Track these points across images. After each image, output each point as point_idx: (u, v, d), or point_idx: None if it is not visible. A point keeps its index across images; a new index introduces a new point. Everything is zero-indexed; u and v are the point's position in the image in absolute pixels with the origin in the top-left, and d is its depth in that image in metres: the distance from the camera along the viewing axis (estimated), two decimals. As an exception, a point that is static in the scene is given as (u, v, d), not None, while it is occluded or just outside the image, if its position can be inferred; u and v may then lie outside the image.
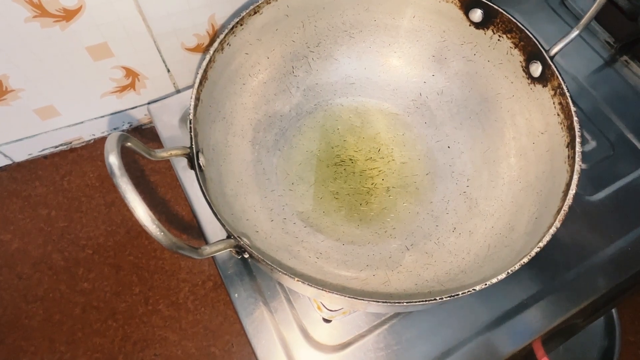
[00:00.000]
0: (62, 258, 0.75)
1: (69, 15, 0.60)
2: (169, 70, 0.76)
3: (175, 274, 0.77)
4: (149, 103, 0.72)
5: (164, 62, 0.74)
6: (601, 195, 0.69)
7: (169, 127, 0.69)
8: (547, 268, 0.64)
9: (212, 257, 0.63)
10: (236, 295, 0.60)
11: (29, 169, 0.79)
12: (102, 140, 0.82)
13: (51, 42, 0.62)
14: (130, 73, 0.73)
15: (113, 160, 0.37)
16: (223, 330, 0.75)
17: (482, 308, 0.61)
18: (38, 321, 0.71)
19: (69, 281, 0.74)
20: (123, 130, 0.84)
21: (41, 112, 0.72)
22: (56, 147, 0.80)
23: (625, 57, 0.80)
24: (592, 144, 0.73)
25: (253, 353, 0.60)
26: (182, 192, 0.73)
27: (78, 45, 0.65)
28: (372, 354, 0.57)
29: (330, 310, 0.59)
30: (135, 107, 0.80)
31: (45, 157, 0.80)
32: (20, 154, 0.78)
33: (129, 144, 0.43)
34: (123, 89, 0.75)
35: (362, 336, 0.58)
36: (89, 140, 0.82)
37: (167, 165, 0.79)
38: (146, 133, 0.83)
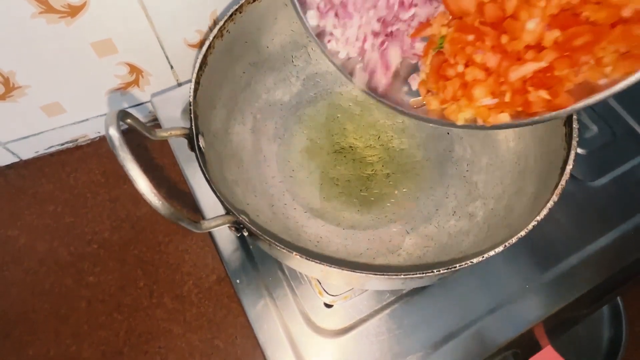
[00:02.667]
0: (68, 253, 0.76)
1: (73, 11, 0.62)
2: (172, 67, 0.77)
3: (179, 267, 0.77)
4: (152, 95, 0.73)
5: (167, 58, 0.76)
6: (603, 180, 0.69)
7: (172, 119, 0.70)
8: (548, 254, 0.63)
9: (216, 250, 0.64)
10: (238, 281, 0.60)
11: (36, 166, 0.81)
12: (104, 140, 0.83)
13: (57, 38, 0.64)
14: (134, 69, 0.74)
15: (113, 132, 0.38)
16: (227, 323, 0.75)
17: (484, 294, 0.60)
18: (44, 315, 0.72)
19: (74, 275, 0.75)
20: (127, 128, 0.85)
21: (47, 108, 0.73)
22: (62, 144, 0.81)
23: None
24: (593, 129, 0.73)
25: (255, 338, 0.60)
26: (186, 187, 0.74)
27: (83, 41, 0.66)
28: (374, 338, 0.57)
29: (332, 295, 0.59)
30: (140, 104, 0.81)
31: (51, 154, 0.82)
32: (28, 152, 0.80)
33: (128, 120, 0.44)
34: (127, 85, 0.77)
35: (363, 321, 0.59)
36: (94, 138, 0.83)
37: (171, 161, 0.80)
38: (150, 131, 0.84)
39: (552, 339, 0.70)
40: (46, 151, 0.81)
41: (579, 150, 0.71)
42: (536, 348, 0.71)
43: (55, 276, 0.74)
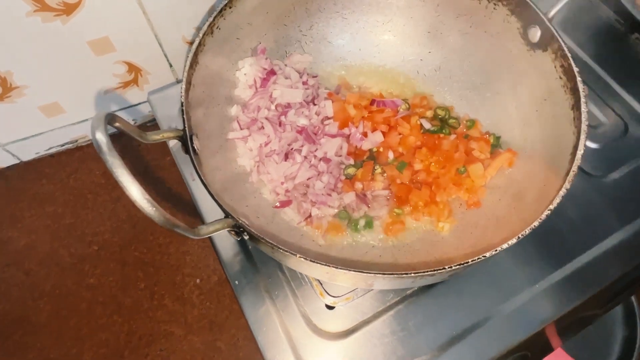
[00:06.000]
0: (69, 254, 0.75)
1: (69, 8, 0.61)
2: (171, 65, 0.76)
3: (180, 268, 0.76)
4: (149, 93, 0.72)
5: (165, 56, 0.75)
6: (615, 175, 0.67)
7: (170, 118, 0.69)
8: (559, 252, 0.61)
9: (215, 250, 0.62)
10: (237, 282, 0.58)
11: (36, 167, 0.80)
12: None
13: (53, 36, 0.63)
14: (132, 68, 0.74)
15: (100, 136, 0.36)
16: (229, 325, 0.74)
17: (492, 293, 0.58)
18: (45, 317, 0.71)
19: (75, 277, 0.74)
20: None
21: (46, 109, 0.73)
22: (62, 145, 0.81)
23: (636, 35, 0.78)
24: (604, 123, 0.70)
25: (255, 342, 0.58)
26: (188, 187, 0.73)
27: (80, 39, 0.66)
28: (377, 341, 0.56)
29: (333, 296, 0.58)
30: (139, 103, 0.80)
31: (52, 155, 0.81)
32: (28, 153, 0.80)
33: (117, 124, 0.42)
34: (126, 84, 0.76)
35: (366, 322, 0.57)
36: (90, 140, 0.82)
37: (172, 161, 0.79)
38: (151, 130, 0.83)
39: (564, 340, 0.68)
40: (46, 152, 0.81)
41: (590, 145, 0.68)
42: (547, 350, 0.68)
43: (56, 278, 0.74)
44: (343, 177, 0.58)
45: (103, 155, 0.35)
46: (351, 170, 0.59)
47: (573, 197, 0.64)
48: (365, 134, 0.60)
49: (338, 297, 0.57)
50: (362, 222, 0.57)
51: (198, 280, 0.76)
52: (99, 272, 0.75)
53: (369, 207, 0.58)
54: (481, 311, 0.57)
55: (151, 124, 0.84)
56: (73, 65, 0.69)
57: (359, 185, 0.58)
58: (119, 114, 0.80)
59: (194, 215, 0.72)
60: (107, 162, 0.35)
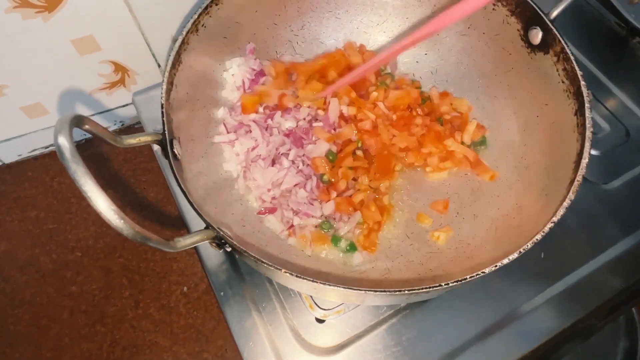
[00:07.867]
0: (51, 261, 0.73)
1: (51, 5, 0.59)
2: (159, 65, 0.74)
3: (166, 276, 0.74)
4: (134, 94, 0.70)
5: (153, 56, 0.72)
6: (617, 183, 0.64)
7: (155, 120, 0.66)
8: (559, 263, 0.59)
9: (199, 259, 0.60)
10: (222, 294, 0.56)
11: (19, 170, 0.78)
12: (92, 140, 0.80)
13: (34, 34, 0.61)
14: (119, 68, 0.71)
15: (62, 141, 0.33)
16: (216, 335, 0.72)
17: (489, 307, 0.56)
18: (24, 326, 0.69)
19: (56, 284, 0.71)
20: (115, 130, 0.82)
21: (28, 109, 0.70)
22: (46, 147, 0.78)
23: (637, 39, 0.76)
24: (606, 129, 0.68)
25: (240, 357, 0.56)
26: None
27: (63, 38, 0.63)
28: (369, 356, 0.53)
29: (324, 309, 0.55)
30: (126, 104, 0.78)
31: (35, 158, 0.79)
32: (10, 155, 0.77)
33: (86, 126, 0.39)
34: (112, 85, 0.73)
35: (358, 337, 0.54)
36: (80, 141, 0.80)
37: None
38: (139, 133, 0.81)
39: (565, 353, 0.66)
40: (29, 154, 0.78)
41: (591, 151, 0.66)
42: (547, 364, 0.66)
43: (37, 285, 0.71)
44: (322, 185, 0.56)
45: (65, 162, 0.32)
46: (327, 177, 0.56)
47: (573, 205, 0.61)
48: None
49: (329, 310, 0.55)
50: (343, 244, 0.55)
51: (185, 289, 0.74)
52: (82, 279, 0.72)
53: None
54: (477, 326, 0.55)
55: (139, 127, 0.82)
56: (56, 64, 0.66)
57: (334, 194, 0.56)
58: (105, 115, 0.78)
59: (180, 224, 0.70)
60: (69, 169, 0.32)
